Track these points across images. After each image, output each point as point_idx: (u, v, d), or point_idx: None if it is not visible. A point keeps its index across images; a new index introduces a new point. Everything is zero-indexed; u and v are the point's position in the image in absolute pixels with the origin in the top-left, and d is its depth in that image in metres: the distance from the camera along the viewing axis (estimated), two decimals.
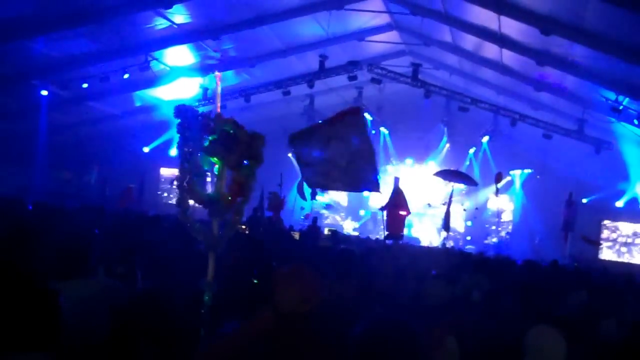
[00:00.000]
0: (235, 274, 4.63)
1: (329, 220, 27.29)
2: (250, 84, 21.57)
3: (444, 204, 20.12)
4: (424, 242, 23.90)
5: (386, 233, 12.47)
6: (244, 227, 12.99)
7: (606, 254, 23.56)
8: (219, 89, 4.23)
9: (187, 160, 3.49)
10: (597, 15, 12.19)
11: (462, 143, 25.48)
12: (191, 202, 3.59)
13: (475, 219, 25.70)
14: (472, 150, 25.45)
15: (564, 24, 13.12)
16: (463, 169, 22.85)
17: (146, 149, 25.32)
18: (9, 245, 4.37)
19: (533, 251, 21.77)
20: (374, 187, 6.97)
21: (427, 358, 2.54)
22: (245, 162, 3.55)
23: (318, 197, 21.34)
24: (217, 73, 4.19)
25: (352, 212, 27.78)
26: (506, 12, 13.71)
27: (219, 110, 3.70)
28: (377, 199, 27.50)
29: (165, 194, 26.94)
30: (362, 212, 27.51)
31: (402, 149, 26.78)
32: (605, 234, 23.86)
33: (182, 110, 3.50)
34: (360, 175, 6.64)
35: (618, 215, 23.35)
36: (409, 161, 27.01)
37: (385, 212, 12.48)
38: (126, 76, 18.42)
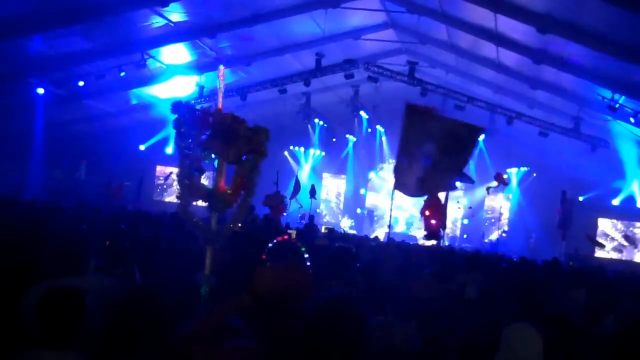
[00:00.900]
0: (233, 270, 4.65)
1: (327, 219, 27.35)
2: (247, 82, 21.55)
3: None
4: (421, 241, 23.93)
5: (424, 233, 12.81)
6: (240, 224, 13.00)
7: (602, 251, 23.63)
8: (222, 84, 4.20)
9: (186, 155, 3.50)
10: (594, 14, 12.23)
11: None
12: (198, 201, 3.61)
13: (472, 217, 25.74)
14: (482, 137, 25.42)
15: (560, 22, 13.14)
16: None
17: (142, 147, 25.30)
18: (7, 243, 4.39)
19: (529, 249, 21.84)
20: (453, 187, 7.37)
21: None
22: (244, 156, 3.56)
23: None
24: (220, 67, 4.17)
25: (349, 210, 27.81)
26: (502, 10, 13.73)
27: (220, 105, 3.70)
28: (372, 198, 27.63)
29: (159, 190, 26.99)
30: (358, 211, 27.57)
31: (397, 147, 26.72)
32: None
33: (179, 107, 3.51)
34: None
35: (614, 213, 23.41)
36: None
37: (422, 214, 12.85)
38: (122, 74, 18.42)
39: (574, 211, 21.52)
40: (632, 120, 16.46)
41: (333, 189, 28.79)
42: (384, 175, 26.93)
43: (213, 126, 3.51)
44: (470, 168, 24.20)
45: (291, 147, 26.90)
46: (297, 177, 20.79)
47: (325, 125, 26.77)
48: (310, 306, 2.61)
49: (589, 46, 13.47)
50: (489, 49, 17.02)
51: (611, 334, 5.22)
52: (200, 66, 19.65)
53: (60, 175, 22.73)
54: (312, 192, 20.61)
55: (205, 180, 3.69)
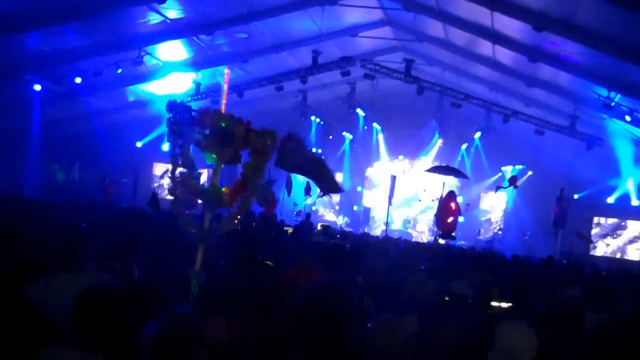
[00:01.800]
0: (227, 267, 4.68)
1: (324, 216, 27.38)
2: (243, 80, 21.56)
3: (433, 201, 20.28)
4: (418, 238, 24.02)
5: (439, 232, 13.27)
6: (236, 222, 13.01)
7: (597, 249, 23.71)
8: (226, 87, 4.23)
9: (178, 153, 3.53)
10: (590, 12, 12.27)
11: (454, 139, 25.53)
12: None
13: (467, 215, 25.79)
14: (464, 146, 25.50)
15: (556, 20, 13.18)
16: (455, 165, 22.90)
17: (139, 144, 25.29)
18: (4, 240, 4.41)
19: (524, 247, 21.89)
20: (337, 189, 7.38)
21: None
22: (243, 157, 3.59)
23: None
24: (226, 70, 4.22)
25: (345, 208, 27.84)
26: (499, 8, 13.76)
27: (223, 107, 3.73)
28: (369, 195, 27.68)
29: (157, 186, 26.99)
30: (355, 208, 27.60)
31: (394, 145, 26.85)
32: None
33: (174, 106, 3.54)
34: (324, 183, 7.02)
35: (609, 211, 23.47)
36: (401, 157, 27.10)
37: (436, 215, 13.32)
38: (119, 71, 18.42)
39: (569, 209, 21.57)
40: (627, 118, 16.50)
41: None
42: (380, 173, 27.02)
43: (210, 126, 3.53)
44: (467, 166, 24.34)
45: None
46: (289, 174, 20.74)
47: (322, 122, 26.78)
48: (299, 292, 2.65)
49: (584, 44, 13.50)
50: (485, 47, 17.05)
51: (606, 332, 5.26)
52: (197, 63, 19.65)
53: (56, 170, 22.67)
54: (307, 190, 20.62)
55: (201, 179, 3.72)
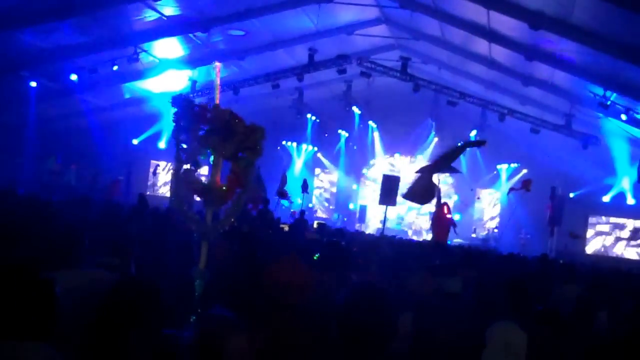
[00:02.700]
0: (224, 265, 4.68)
1: (319, 214, 27.39)
2: (239, 77, 21.55)
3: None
4: (415, 236, 24.04)
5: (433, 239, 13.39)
6: (232, 220, 13.00)
7: (592, 248, 23.79)
8: (218, 80, 4.23)
9: (182, 150, 3.52)
10: (586, 11, 12.29)
11: (450, 137, 25.40)
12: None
13: (463, 213, 25.86)
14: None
15: (552, 19, 13.20)
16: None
17: (135, 141, 25.25)
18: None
19: (519, 245, 21.93)
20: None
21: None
22: (240, 153, 3.58)
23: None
24: (216, 63, 4.20)
25: (341, 206, 27.85)
26: (495, 7, 13.78)
27: (217, 101, 3.72)
28: (365, 193, 27.69)
29: (150, 184, 27.01)
30: (351, 206, 27.62)
31: (390, 143, 26.88)
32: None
33: (179, 100, 3.53)
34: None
35: (605, 210, 23.53)
36: (397, 155, 27.13)
37: (431, 221, 13.46)
38: (115, 68, 18.37)
39: (564, 208, 21.62)
40: (623, 117, 16.55)
41: (325, 184, 28.84)
42: (375, 171, 27.01)
43: (211, 122, 3.53)
44: (462, 164, 24.35)
45: (284, 142, 26.90)
46: (284, 172, 20.75)
47: (318, 120, 26.79)
48: (342, 294, 2.62)
49: (581, 43, 13.53)
50: (481, 45, 17.07)
51: (601, 330, 5.29)
52: (193, 60, 19.61)
53: (51, 164, 22.59)
54: (304, 187, 20.62)
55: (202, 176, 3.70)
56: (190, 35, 17.76)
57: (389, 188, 10.25)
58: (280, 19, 17.49)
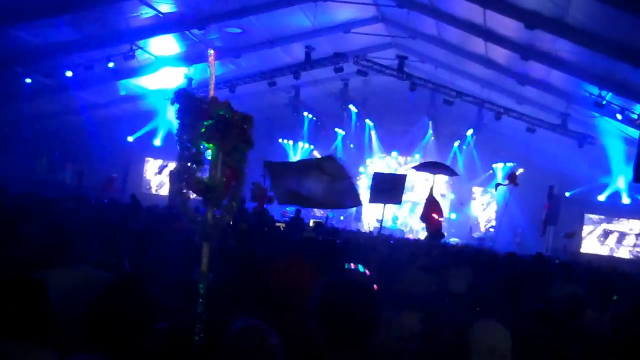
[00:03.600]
0: (221, 266, 4.66)
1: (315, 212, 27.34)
2: (236, 75, 21.52)
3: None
4: (411, 235, 24.04)
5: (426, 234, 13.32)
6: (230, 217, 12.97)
7: (587, 247, 23.84)
8: (213, 69, 3.99)
9: (186, 148, 3.34)
10: (582, 11, 12.30)
11: (446, 136, 25.60)
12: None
13: (460, 212, 25.89)
14: (456, 144, 25.57)
15: (548, 19, 13.22)
16: (448, 162, 22.92)
17: (130, 139, 25.19)
18: None
19: (515, 244, 21.95)
20: (356, 202, 7.90)
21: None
22: (236, 146, 3.47)
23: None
24: (210, 52, 4.01)
25: None
26: (491, 6, 13.78)
27: (212, 92, 3.55)
28: (362, 192, 27.63)
29: (147, 182, 26.99)
30: None
31: (387, 141, 26.88)
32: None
33: (182, 95, 3.35)
34: (341, 197, 7.35)
35: (600, 209, 23.59)
36: (394, 154, 27.13)
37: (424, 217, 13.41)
38: (111, 65, 18.32)
39: (560, 207, 21.66)
40: (618, 117, 16.60)
41: None
42: (372, 169, 26.98)
43: (213, 116, 3.39)
44: (459, 163, 24.39)
45: (280, 140, 26.88)
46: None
47: (315, 118, 26.78)
48: (323, 284, 2.56)
49: (576, 43, 13.56)
50: (477, 45, 17.07)
51: (599, 327, 5.28)
52: (189, 58, 19.57)
53: (43, 163, 22.53)
54: None
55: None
56: (187, 32, 17.71)
57: (381, 186, 10.23)
58: (277, 17, 17.46)
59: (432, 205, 14.84)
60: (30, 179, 19.80)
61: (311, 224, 17.69)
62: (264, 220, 13.17)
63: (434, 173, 16.78)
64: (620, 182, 21.54)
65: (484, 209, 26.62)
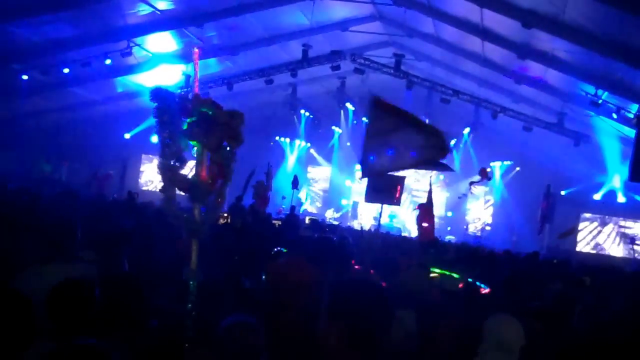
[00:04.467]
0: (219, 264, 4.68)
1: (311, 209, 27.38)
2: (233, 72, 21.51)
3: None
4: (407, 233, 24.04)
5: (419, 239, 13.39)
6: (225, 215, 13.03)
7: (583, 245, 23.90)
8: (197, 67, 3.98)
9: (167, 145, 3.33)
10: (578, 10, 12.34)
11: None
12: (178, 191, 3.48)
13: (456, 210, 25.93)
14: (453, 142, 25.53)
15: (545, 18, 13.26)
16: (444, 161, 22.92)
17: (127, 136, 25.16)
18: None
19: (511, 243, 21.99)
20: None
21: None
22: (224, 143, 3.45)
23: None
24: (195, 50, 3.99)
25: (333, 202, 27.83)
26: (488, 5, 13.81)
27: (197, 90, 3.54)
28: (358, 190, 27.69)
29: (144, 180, 26.99)
30: (344, 202, 27.61)
31: None
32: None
33: (159, 94, 3.35)
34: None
35: (596, 207, 23.64)
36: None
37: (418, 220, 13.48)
38: (108, 62, 18.32)
39: (556, 205, 21.71)
40: (614, 116, 16.64)
41: (318, 180, 28.85)
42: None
43: (193, 113, 3.38)
44: (455, 161, 24.39)
45: (277, 138, 26.88)
46: (270, 166, 20.26)
47: (312, 116, 26.77)
48: (333, 284, 2.57)
49: (573, 42, 13.59)
50: (474, 43, 17.10)
51: (594, 326, 5.32)
52: (187, 55, 19.54)
53: (43, 163, 22.51)
54: (295, 183, 20.56)
55: (186, 171, 3.55)
56: (184, 29, 17.70)
57: (378, 186, 10.21)
58: (274, 15, 17.47)
59: (426, 212, 14.92)
60: (27, 176, 19.79)
61: (307, 221, 17.72)
62: (260, 218, 13.18)
63: (429, 169, 16.81)
64: (616, 181, 21.58)
65: (478, 199, 26.65)
